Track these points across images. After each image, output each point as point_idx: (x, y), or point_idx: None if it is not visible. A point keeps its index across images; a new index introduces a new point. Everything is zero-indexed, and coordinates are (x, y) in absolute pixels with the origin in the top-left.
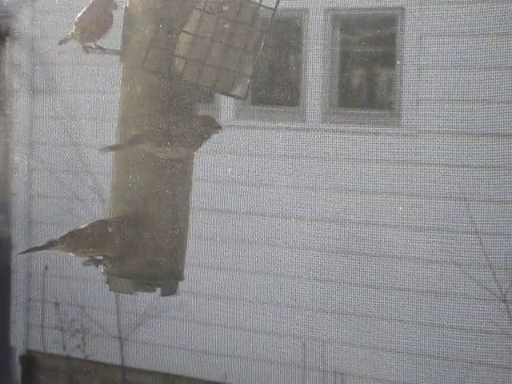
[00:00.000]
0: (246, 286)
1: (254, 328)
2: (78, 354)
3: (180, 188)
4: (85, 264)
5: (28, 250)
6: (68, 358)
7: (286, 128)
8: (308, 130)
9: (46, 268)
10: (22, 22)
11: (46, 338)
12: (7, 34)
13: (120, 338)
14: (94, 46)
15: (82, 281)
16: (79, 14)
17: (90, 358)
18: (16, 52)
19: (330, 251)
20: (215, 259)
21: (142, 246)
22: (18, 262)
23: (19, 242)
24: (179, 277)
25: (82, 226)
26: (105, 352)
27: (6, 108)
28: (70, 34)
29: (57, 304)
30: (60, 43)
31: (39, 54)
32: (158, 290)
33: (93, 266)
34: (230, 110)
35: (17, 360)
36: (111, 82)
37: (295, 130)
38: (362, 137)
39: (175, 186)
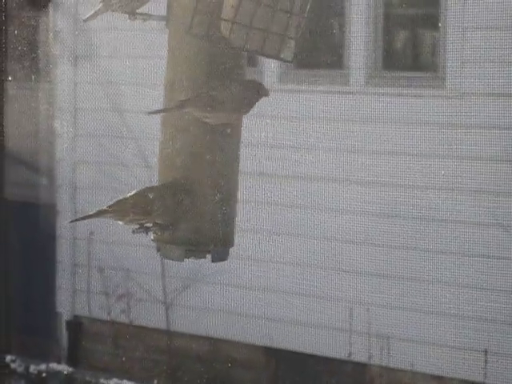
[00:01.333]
0: (291, 250)
1: (298, 291)
2: (123, 319)
3: (228, 153)
4: (134, 232)
5: (78, 219)
6: (113, 323)
7: (330, 91)
8: (351, 93)
9: (91, 233)
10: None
11: (91, 303)
12: (48, 0)
13: (165, 302)
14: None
15: (127, 246)
16: None
17: (135, 322)
18: (57, 18)
19: (374, 214)
20: (259, 223)
21: (192, 212)
22: (63, 228)
23: (64, 208)
24: (229, 243)
25: (129, 194)
26: (150, 317)
27: (48, 74)
28: (98, 8)
29: (102, 269)
30: (86, 20)
31: (80, 20)
32: (209, 257)
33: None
34: (273, 73)
35: (63, 325)
36: (152, 47)
37: (339, 93)
38: (405, 99)
39: (223, 151)
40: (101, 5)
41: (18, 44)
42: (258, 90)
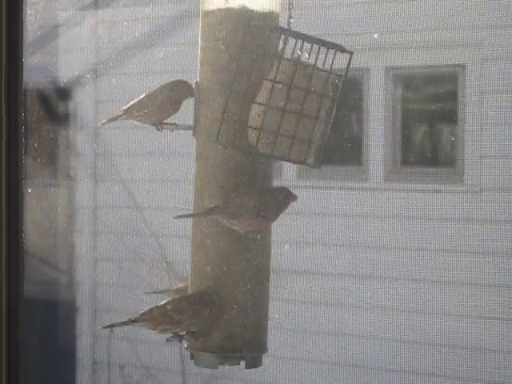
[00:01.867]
0: (317, 348)
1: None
2: None
3: (258, 259)
4: (168, 340)
5: (108, 326)
6: None
7: (349, 187)
8: (370, 189)
9: (111, 331)
10: (86, 86)
11: None
12: (70, 99)
13: None
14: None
15: (147, 343)
16: (147, 94)
17: None
18: (80, 116)
19: (395, 309)
20: (287, 321)
21: (224, 320)
22: (83, 325)
23: (84, 305)
24: (263, 349)
25: (161, 303)
26: None
27: (70, 171)
28: (118, 114)
29: (122, 367)
30: (103, 124)
31: (103, 117)
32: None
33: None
34: (292, 169)
35: None
36: (176, 144)
37: (357, 189)
38: (424, 195)
39: (254, 257)
40: (121, 112)
41: (37, 154)
42: (287, 197)
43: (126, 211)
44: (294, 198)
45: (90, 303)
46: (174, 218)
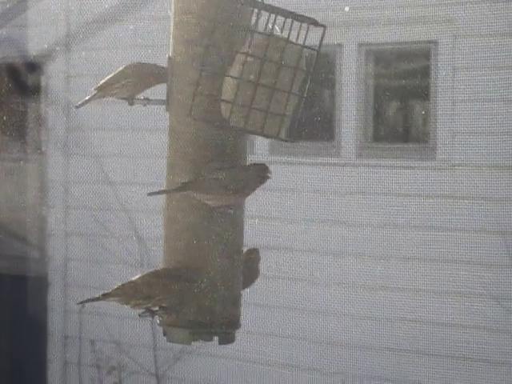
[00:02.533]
0: (285, 324)
1: (294, 365)
2: None
3: (231, 233)
4: (140, 316)
5: (82, 302)
6: None
7: (321, 163)
8: (343, 165)
9: (83, 306)
10: (57, 61)
11: (83, 375)
12: (42, 74)
13: (157, 375)
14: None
15: (118, 318)
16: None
17: None
18: (51, 91)
19: (364, 286)
20: (254, 296)
21: (197, 295)
22: (54, 300)
23: (55, 280)
24: (236, 324)
25: (133, 278)
26: None
27: (41, 146)
28: (93, 94)
29: (93, 341)
30: (79, 106)
31: (74, 93)
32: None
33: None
34: (264, 145)
35: None
36: (141, 120)
37: (329, 165)
38: (396, 171)
39: (227, 232)
40: (95, 91)
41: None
42: (263, 173)
43: (97, 186)
44: (269, 174)
45: (61, 278)
46: (148, 195)
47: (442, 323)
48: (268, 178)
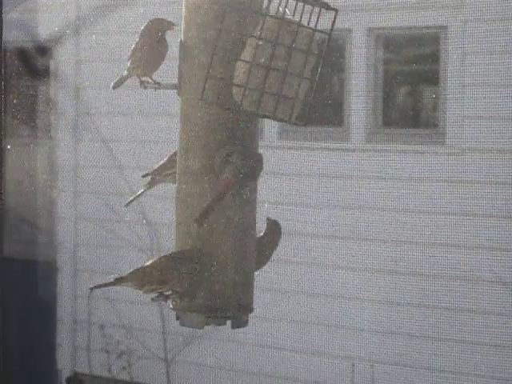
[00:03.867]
0: (296, 308)
1: (303, 349)
2: (123, 376)
3: (244, 218)
4: (153, 300)
5: (97, 287)
6: (114, 380)
7: (330, 148)
8: (352, 150)
9: (92, 291)
10: (67, 46)
11: (92, 360)
12: (51, 58)
13: (166, 359)
14: (150, 81)
15: (128, 302)
16: (131, 50)
17: (136, 380)
18: (61, 75)
19: (375, 270)
20: (264, 280)
21: (210, 279)
22: (63, 284)
23: (65, 265)
24: (248, 308)
25: (147, 263)
26: (151, 374)
27: (51, 131)
28: (124, 73)
29: (102, 326)
30: (115, 87)
31: (84, 77)
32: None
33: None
34: (273, 130)
35: (64, 382)
36: (158, 104)
37: (339, 150)
38: (406, 156)
39: (239, 216)
40: (125, 72)
41: (16, 111)
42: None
43: (107, 171)
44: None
45: (70, 263)
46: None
47: (450, 308)
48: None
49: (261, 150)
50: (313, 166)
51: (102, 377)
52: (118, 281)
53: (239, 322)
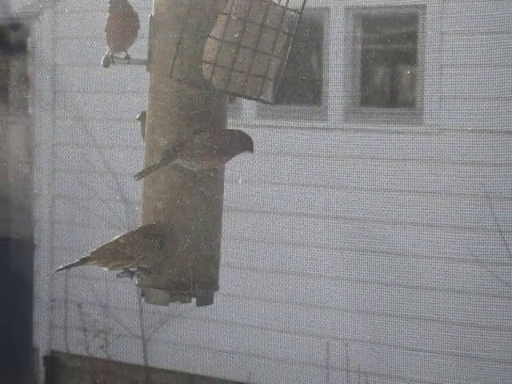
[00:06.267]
0: (270, 286)
1: (278, 327)
2: (101, 355)
3: (211, 196)
4: (119, 276)
5: (62, 268)
6: (91, 359)
7: (308, 127)
8: (330, 129)
9: (65, 270)
10: (44, 23)
11: (69, 338)
12: (29, 35)
13: (143, 337)
14: (122, 56)
15: (105, 281)
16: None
17: (113, 358)
18: (38, 53)
19: (353, 250)
20: (238, 259)
21: (175, 256)
22: (40, 262)
23: (42, 243)
24: (214, 286)
25: (112, 240)
26: (128, 352)
27: (28, 109)
28: (107, 52)
29: (79, 304)
30: (105, 65)
31: (61, 55)
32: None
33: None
34: (252, 109)
35: (40, 361)
36: (134, 82)
37: (317, 129)
38: (384, 135)
39: (205, 196)
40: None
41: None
42: (245, 143)
43: (83, 149)
44: (251, 147)
45: (47, 241)
46: (135, 176)
47: (428, 287)
48: (249, 150)
49: (239, 129)
50: (290, 145)
51: (79, 355)
52: (83, 260)
53: (204, 300)
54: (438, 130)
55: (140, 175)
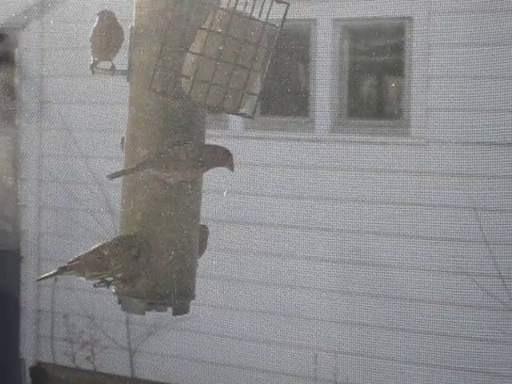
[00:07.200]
0: (256, 297)
1: (265, 339)
2: (87, 366)
3: (187, 208)
4: (96, 286)
5: (41, 278)
6: (77, 370)
7: (295, 138)
8: (317, 140)
9: (56, 279)
10: (31, 34)
11: (55, 349)
12: (16, 46)
13: (129, 349)
14: (107, 67)
15: (91, 292)
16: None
17: (100, 369)
18: (25, 63)
19: (339, 261)
20: (224, 270)
21: (152, 266)
22: (27, 274)
23: (28, 254)
24: (190, 296)
25: (90, 249)
26: (114, 363)
27: (15, 119)
28: (91, 61)
29: (66, 316)
30: (92, 71)
31: (48, 66)
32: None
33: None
34: (239, 120)
35: (27, 372)
36: (120, 93)
37: (304, 140)
38: (370, 147)
39: (182, 207)
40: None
41: None
42: (225, 159)
43: (71, 160)
44: (230, 164)
45: (34, 252)
46: (109, 176)
47: (415, 299)
48: (229, 166)
49: (226, 140)
50: (277, 156)
51: (65, 366)
52: (61, 270)
53: (181, 309)
54: (424, 142)
55: (112, 176)
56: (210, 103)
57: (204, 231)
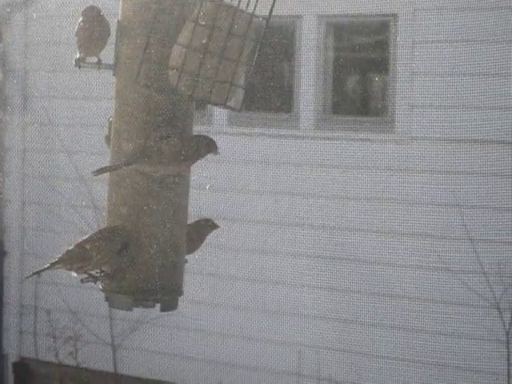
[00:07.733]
0: (241, 294)
1: (249, 335)
2: (70, 361)
3: (174, 202)
4: (83, 281)
5: (34, 273)
6: (60, 366)
7: (279, 135)
8: (301, 136)
9: (39, 275)
10: (15, 28)
11: (38, 345)
12: None
13: (113, 344)
14: (94, 61)
15: (75, 287)
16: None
17: (83, 365)
18: (8, 58)
19: (324, 258)
20: (208, 266)
21: (140, 262)
22: (10, 268)
23: (12, 249)
24: (178, 292)
25: (76, 242)
26: (97, 359)
27: None
28: (77, 56)
29: (49, 311)
30: (77, 66)
31: (32, 60)
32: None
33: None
34: (223, 116)
35: (9, 367)
36: (105, 88)
37: (288, 136)
38: (355, 143)
39: (168, 201)
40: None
41: None
42: (210, 146)
43: (54, 154)
44: (215, 150)
45: (17, 247)
46: (94, 172)
47: (398, 296)
48: (213, 152)
49: (210, 136)
50: (261, 152)
51: (48, 362)
52: (52, 265)
53: (169, 305)
54: (408, 139)
55: (97, 172)
56: (198, 95)
57: (203, 225)
